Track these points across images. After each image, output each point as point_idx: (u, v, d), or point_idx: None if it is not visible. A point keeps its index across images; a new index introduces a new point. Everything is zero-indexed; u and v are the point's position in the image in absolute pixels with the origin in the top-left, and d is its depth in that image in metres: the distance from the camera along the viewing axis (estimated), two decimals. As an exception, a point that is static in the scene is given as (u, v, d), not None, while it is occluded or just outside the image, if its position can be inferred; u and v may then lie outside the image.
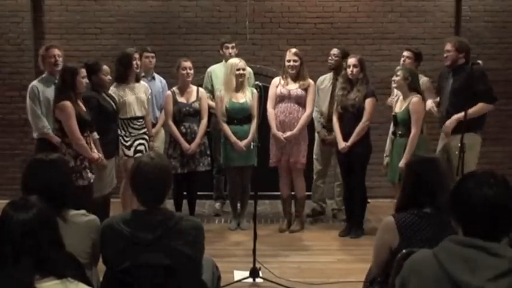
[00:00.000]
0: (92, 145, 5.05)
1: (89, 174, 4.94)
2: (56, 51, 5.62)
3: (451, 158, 5.48)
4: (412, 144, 5.39)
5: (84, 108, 5.00)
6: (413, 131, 5.40)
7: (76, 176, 4.77)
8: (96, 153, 5.03)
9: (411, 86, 5.45)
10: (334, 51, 6.37)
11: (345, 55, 6.21)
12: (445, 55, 5.67)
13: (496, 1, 7.40)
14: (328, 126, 6.32)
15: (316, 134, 6.47)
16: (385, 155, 5.80)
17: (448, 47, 5.62)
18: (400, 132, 5.53)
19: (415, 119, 5.39)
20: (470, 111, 5.21)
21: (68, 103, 4.79)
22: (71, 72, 4.89)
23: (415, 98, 5.41)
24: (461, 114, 5.25)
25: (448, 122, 5.56)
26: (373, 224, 6.11)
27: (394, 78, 5.51)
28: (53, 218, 2.24)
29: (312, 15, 7.39)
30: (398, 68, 5.63)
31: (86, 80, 5.01)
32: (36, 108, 5.47)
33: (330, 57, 6.36)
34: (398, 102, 5.62)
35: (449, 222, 2.82)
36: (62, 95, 4.84)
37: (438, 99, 5.88)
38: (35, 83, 5.60)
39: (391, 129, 5.75)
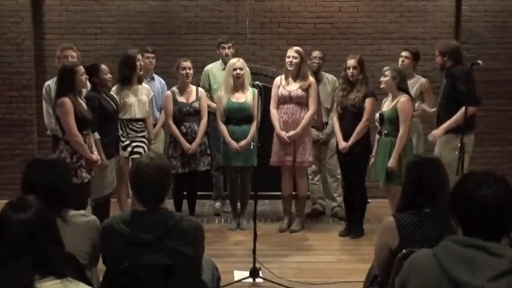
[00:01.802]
0: (93, 146, 5.06)
1: (84, 174, 4.93)
2: (70, 52, 5.69)
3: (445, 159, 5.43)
4: (400, 144, 5.41)
5: (85, 107, 5.00)
6: (401, 130, 5.42)
7: (70, 173, 4.76)
8: (95, 155, 5.03)
9: (400, 85, 5.48)
10: (317, 53, 6.47)
11: (324, 57, 6.48)
12: (435, 60, 5.69)
13: (496, 1, 7.40)
14: (317, 126, 6.37)
15: None
16: (371, 155, 5.80)
17: (435, 51, 5.65)
18: (385, 131, 5.56)
19: (403, 119, 5.41)
20: (455, 117, 5.29)
21: (66, 99, 4.80)
22: (69, 71, 4.90)
23: (403, 98, 5.44)
24: (448, 123, 5.35)
25: (435, 132, 5.53)
26: (373, 224, 6.11)
27: (383, 78, 5.53)
28: (51, 218, 2.24)
29: (312, 15, 7.39)
30: (386, 68, 5.61)
31: (85, 77, 5.02)
32: (48, 106, 5.61)
33: (313, 60, 6.42)
34: (386, 102, 5.65)
35: (449, 222, 2.84)
36: (61, 93, 4.85)
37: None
38: (49, 82, 5.75)
39: (378, 128, 5.76)
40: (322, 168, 6.69)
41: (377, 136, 5.72)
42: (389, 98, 5.61)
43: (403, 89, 5.50)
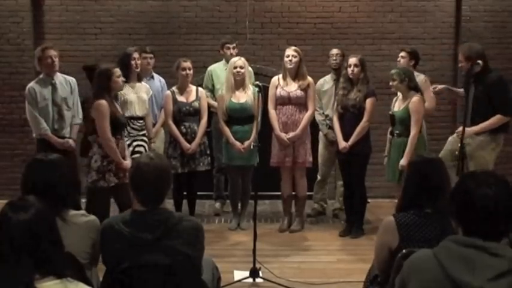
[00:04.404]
0: (125, 150, 5.08)
1: (111, 178, 4.92)
2: (52, 52, 5.62)
3: (473, 156, 5.38)
4: (412, 144, 5.39)
5: (120, 110, 5.00)
6: (413, 130, 5.40)
7: (98, 176, 4.80)
8: (126, 161, 4.96)
9: (410, 86, 5.47)
10: (335, 51, 6.40)
11: (343, 55, 6.33)
12: (459, 65, 5.56)
13: (496, 1, 7.40)
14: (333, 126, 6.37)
15: (320, 137, 6.45)
16: (384, 155, 5.79)
17: (460, 56, 5.50)
18: (397, 131, 5.54)
19: (415, 119, 5.39)
20: (487, 123, 5.26)
21: (104, 102, 4.82)
22: (106, 75, 4.91)
23: (415, 98, 5.42)
24: (480, 127, 5.28)
25: (469, 130, 5.30)
26: (373, 224, 6.12)
27: (391, 83, 5.52)
28: (51, 218, 2.24)
29: (312, 15, 7.39)
30: (392, 72, 5.57)
31: (122, 79, 5.03)
32: (34, 110, 5.57)
33: (332, 58, 6.37)
34: (397, 102, 5.63)
35: (449, 222, 2.84)
36: (98, 95, 4.86)
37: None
38: (31, 84, 5.66)
39: (389, 129, 5.74)
40: (332, 171, 6.64)
41: (389, 136, 5.71)
42: (400, 97, 5.59)
43: (413, 87, 5.49)
